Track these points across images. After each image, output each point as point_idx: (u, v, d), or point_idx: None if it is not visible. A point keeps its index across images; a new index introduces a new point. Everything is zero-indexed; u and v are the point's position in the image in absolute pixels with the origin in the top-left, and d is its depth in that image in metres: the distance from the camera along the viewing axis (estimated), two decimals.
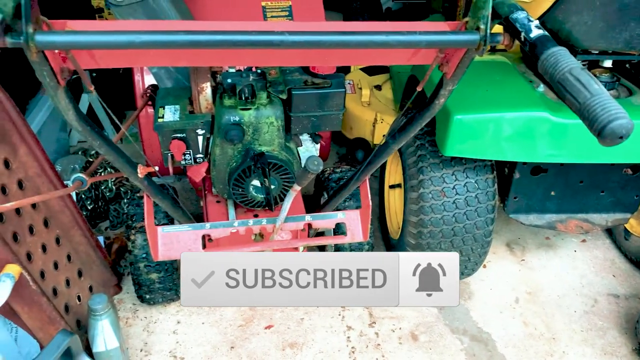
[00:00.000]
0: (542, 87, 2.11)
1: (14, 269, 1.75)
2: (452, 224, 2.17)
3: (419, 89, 1.44)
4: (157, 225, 1.98)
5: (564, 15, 1.94)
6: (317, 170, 1.57)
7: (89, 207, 2.81)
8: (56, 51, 1.14)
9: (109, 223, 2.88)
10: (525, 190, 2.29)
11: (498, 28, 1.23)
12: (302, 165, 2.15)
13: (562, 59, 0.97)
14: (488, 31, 1.13)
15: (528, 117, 1.95)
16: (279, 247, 2.06)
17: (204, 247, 1.97)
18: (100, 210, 2.87)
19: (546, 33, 1.05)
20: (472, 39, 1.15)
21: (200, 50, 1.19)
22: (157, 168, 1.66)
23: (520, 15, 1.11)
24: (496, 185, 2.19)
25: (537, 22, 1.08)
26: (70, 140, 3.43)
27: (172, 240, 1.90)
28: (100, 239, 2.55)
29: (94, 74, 3.34)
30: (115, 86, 3.28)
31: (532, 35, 1.06)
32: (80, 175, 1.66)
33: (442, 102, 1.49)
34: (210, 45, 1.04)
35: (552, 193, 2.31)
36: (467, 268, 2.39)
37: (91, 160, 2.95)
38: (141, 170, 1.61)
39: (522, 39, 1.08)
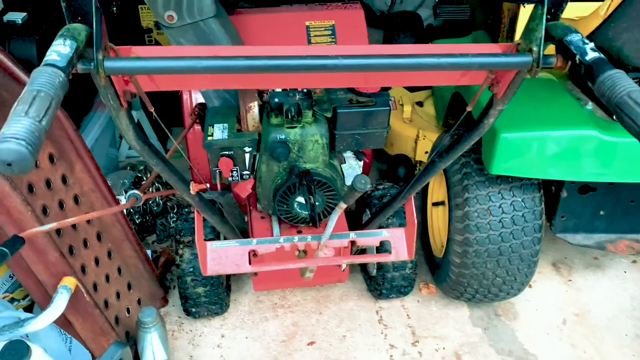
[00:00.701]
0: (590, 105, 2.08)
1: (70, 282, 1.82)
2: (499, 243, 2.14)
3: (469, 109, 1.45)
4: (205, 240, 2.03)
5: (614, 32, 1.92)
6: (365, 189, 1.58)
7: (137, 221, 2.89)
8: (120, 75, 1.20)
9: (156, 237, 2.96)
10: (573, 209, 2.25)
11: (550, 48, 1.22)
12: (345, 182, 2.18)
13: (619, 81, 0.97)
14: (541, 53, 1.13)
15: (576, 136, 1.93)
16: (322, 263, 2.08)
17: (250, 262, 2.01)
18: (147, 225, 2.95)
19: (602, 55, 1.05)
20: (524, 61, 1.15)
21: (254, 75, 1.23)
22: (208, 185, 1.70)
23: (574, 37, 1.10)
24: (543, 204, 2.16)
25: (592, 45, 1.08)
26: (119, 155, 3.54)
27: (220, 256, 1.94)
28: (148, 252, 2.62)
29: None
30: (160, 104, 3.38)
31: (587, 58, 1.05)
32: (136, 192, 1.73)
33: (491, 121, 1.49)
34: (268, 70, 1.07)
35: (601, 212, 2.26)
36: (513, 288, 2.35)
37: (139, 175, 3.04)
38: (193, 187, 1.66)
39: (577, 62, 1.07)
